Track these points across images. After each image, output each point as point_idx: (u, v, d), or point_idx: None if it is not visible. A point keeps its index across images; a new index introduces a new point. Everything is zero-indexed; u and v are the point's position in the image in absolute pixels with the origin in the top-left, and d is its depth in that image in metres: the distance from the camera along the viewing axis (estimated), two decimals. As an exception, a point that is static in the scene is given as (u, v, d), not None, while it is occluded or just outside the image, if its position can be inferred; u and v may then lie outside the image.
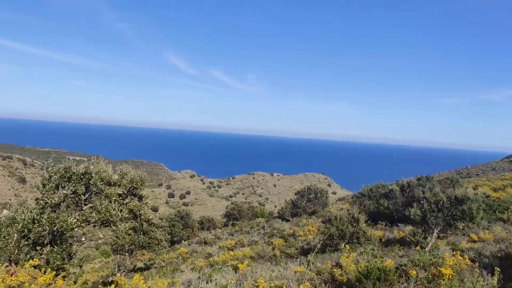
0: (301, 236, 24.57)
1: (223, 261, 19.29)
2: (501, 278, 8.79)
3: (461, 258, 8.33)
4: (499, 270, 7.15)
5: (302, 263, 11.42)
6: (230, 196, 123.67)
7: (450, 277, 6.20)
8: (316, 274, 8.16)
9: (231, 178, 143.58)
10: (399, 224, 24.71)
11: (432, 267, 6.70)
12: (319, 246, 17.27)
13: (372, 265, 6.55)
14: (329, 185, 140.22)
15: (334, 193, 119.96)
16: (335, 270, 7.76)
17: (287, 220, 33.68)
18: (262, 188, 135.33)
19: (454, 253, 18.74)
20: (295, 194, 36.92)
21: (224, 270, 12.30)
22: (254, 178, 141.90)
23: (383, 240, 20.88)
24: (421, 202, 21.93)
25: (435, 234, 21.68)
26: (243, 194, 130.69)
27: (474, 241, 21.93)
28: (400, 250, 17.31)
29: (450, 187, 25.89)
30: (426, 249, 18.94)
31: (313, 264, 10.00)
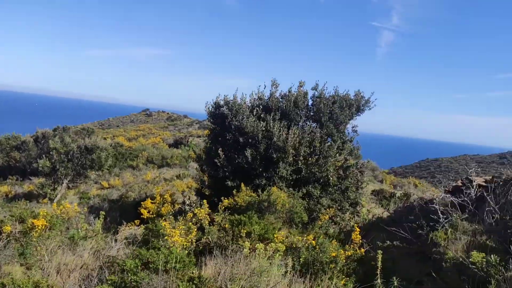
0: None
1: None
2: (108, 221, 11.03)
3: (70, 206, 9.50)
4: (104, 213, 8.94)
5: None
6: None
7: (43, 227, 6.97)
8: None
9: None
10: (31, 178, 24.42)
11: (29, 220, 7.21)
12: None
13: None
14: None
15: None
16: None
17: None
18: None
19: (81, 201, 20.57)
20: None
21: None
22: None
23: (9, 195, 20.37)
24: (51, 153, 22.48)
25: (64, 185, 22.61)
26: None
27: (104, 188, 24.58)
28: (26, 205, 17.53)
29: (86, 137, 27.61)
30: (55, 200, 19.75)
31: None
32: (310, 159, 11.39)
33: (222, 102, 11.78)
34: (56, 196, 20.61)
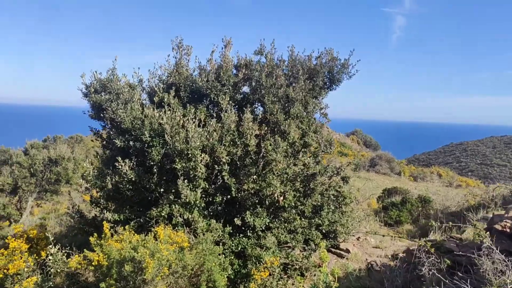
0: None
1: None
2: None
3: None
4: None
5: None
6: None
7: None
8: None
9: None
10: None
11: None
12: None
13: None
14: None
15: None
16: None
17: None
18: None
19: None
20: None
21: None
22: None
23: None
24: (13, 167, 19.36)
25: (30, 203, 19.45)
26: None
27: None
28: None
29: (51, 147, 24.03)
30: (20, 221, 16.53)
31: None
32: (245, 167, 6.67)
33: (95, 83, 7.12)
34: (21, 216, 17.21)
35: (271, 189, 6.32)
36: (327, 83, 7.87)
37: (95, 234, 5.54)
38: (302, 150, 7.27)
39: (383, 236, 8.49)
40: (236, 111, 6.77)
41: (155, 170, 6.48)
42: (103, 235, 5.42)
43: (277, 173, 6.58)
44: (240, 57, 7.76)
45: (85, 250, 5.46)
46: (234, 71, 7.71)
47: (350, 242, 7.71)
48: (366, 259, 7.15)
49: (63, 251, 6.77)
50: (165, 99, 6.58)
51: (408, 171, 38.06)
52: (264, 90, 6.97)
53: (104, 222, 5.60)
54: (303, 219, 7.14)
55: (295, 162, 7.09)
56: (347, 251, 7.40)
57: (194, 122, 6.22)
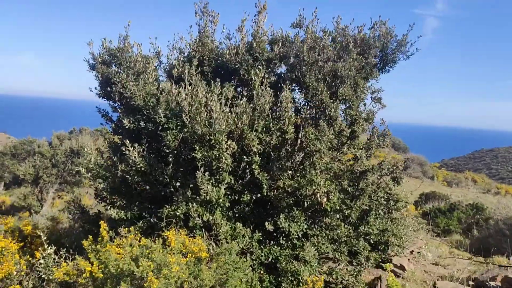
0: None
1: None
2: None
3: None
4: None
5: None
6: None
7: None
8: None
9: None
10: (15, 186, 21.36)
11: None
12: None
13: None
14: None
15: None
16: None
17: None
18: None
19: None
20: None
21: None
22: None
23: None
24: (34, 157, 19.08)
25: (51, 194, 19.02)
26: None
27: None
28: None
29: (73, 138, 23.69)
30: (40, 212, 16.03)
31: None
32: (280, 160, 5.38)
33: (104, 53, 5.95)
34: (42, 207, 17.17)
35: (313, 187, 4.99)
36: (379, 63, 6.49)
37: (90, 236, 4.35)
38: (348, 142, 5.93)
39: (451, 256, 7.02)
40: (271, 92, 5.46)
41: (170, 159, 5.26)
42: (99, 238, 4.23)
43: (320, 168, 5.25)
44: (274, 32, 6.47)
45: (77, 256, 4.28)
46: (268, 48, 6.43)
47: (404, 257, 6.31)
48: (427, 280, 5.73)
49: (61, 253, 5.63)
50: (186, 72, 5.33)
51: (441, 176, 35.97)
52: (306, 66, 5.64)
53: (102, 222, 4.38)
54: (347, 226, 5.80)
55: (339, 157, 5.76)
56: (402, 267, 6.01)
57: (219, 100, 4.95)
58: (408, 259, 6.32)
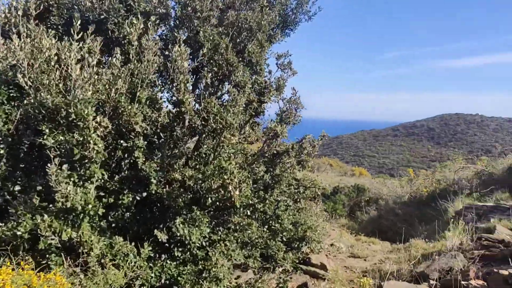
0: None
1: None
2: None
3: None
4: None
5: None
6: None
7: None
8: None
9: None
10: None
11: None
12: None
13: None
14: None
15: None
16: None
17: None
18: None
19: None
20: None
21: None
22: None
23: None
24: None
25: None
26: None
27: None
28: None
29: None
30: None
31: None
32: (174, 143, 3.91)
33: None
34: None
35: (224, 177, 3.65)
36: (281, 24, 5.45)
37: None
38: (253, 118, 4.74)
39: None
40: (158, 50, 3.91)
41: (1, 151, 3.35)
42: None
43: (229, 151, 3.93)
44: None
45: None
46: None
47: (322, 253, 5.40)
48: (353, 279, 4.88)
49: None
50: (19, 23, 3.45)
51: (305, 162, 37.89)
52: (198, 20, 4.23)
53: None
54: (259, 224, 4.63)
55: (248, 136, 4.53)
56: (323, 267, 5.08)
57: (80, 56, 3.25)
58: (326, 255, 5.47)
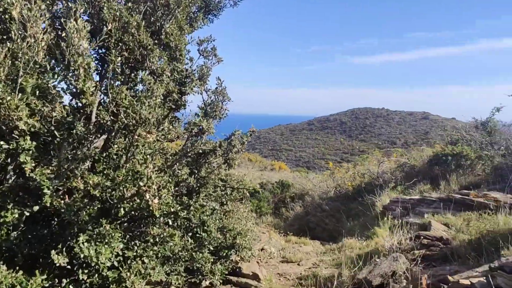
0: None
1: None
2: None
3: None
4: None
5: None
6: None
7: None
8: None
9: None
10: None
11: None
12: None
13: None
14: None
15: None
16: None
17: None
18: None
19: None
20: None
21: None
22: None
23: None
24: None
25: None
26: None
27: None
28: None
29: None
30: None
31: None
32: (74, 143, 3.13)
33: None
34: None
35: (139, 184, 2.98)
36: (203, 7, 4.84)
37: None
38: (173, 112, 4.10)
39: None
40: (49, 27, 3.10)
41: None
42: None
43: (145, 152, 3.26)
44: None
45: None
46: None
47: (253, 260, 4.90)
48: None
49: None
50: None
51: (225, 158, 37.42)
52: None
53: None
54: (182, 234, 4.01)
55: (167, 134, 3.88)
56: (255, 276, 4.57)
57: None
58: (258, 262, 4.99)
